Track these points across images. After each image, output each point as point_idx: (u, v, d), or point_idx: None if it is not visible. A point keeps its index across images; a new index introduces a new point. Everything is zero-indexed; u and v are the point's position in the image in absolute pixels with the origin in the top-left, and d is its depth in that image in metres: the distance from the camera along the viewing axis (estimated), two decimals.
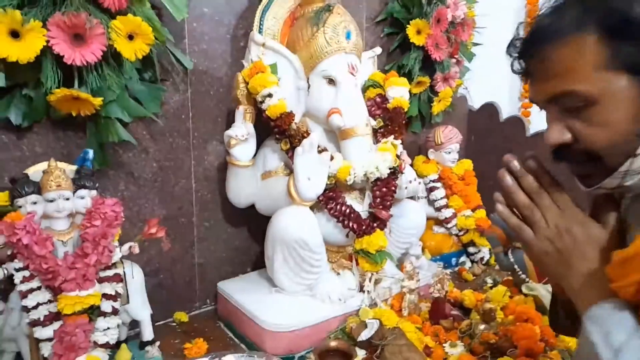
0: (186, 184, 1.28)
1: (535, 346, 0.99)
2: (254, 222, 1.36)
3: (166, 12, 1.08)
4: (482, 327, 1.09)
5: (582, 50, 0.57)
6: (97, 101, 0.98)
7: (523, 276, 1.27)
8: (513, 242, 1.48)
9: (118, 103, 1.04)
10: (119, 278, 0.98)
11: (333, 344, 1.02)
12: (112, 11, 0.98)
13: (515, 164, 0.66)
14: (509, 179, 0.67)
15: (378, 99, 1.34)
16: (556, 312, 0.77)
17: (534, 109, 2.45)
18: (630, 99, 0.57)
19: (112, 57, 1.02)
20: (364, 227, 1.19)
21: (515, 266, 1.30)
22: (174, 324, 1.27)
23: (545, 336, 1.04)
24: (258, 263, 1.41)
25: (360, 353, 1.06)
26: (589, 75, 0.57)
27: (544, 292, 1.21)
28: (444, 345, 1.08)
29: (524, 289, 1.26)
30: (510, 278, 1.37)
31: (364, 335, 1.09)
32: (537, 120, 2.22)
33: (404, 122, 1.33)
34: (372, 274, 1.21)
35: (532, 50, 0.62)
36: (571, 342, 1.03)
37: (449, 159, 1.69)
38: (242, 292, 1.21)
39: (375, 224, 1.21)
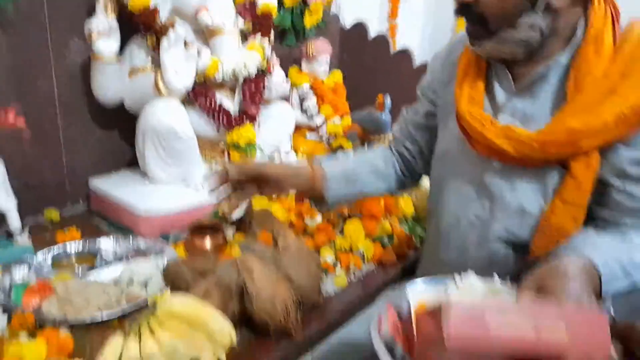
0: (47, 81, 1.23)
1: (378, 212, 1.19)
2: (124, 122, 1.36)
3: None
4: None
5: None
6: None
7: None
8: (370, 137, 1.69)
9: None
10: None
11: (205, 221, 1.12)
12: None
13: None
14: None
15: (247, 5, 1.38)
16: None
17: (400, 28, 2.65)
18: None
19: None
20: (233, 121, 1.28)
21: None
22: (44, 222, 1.26)
23: (387, 206, 1.25)
24: (130, 163, 1.42)
25: (231, 231, 1.18)
26: None
27: None
28: (305, 219, 1.24)
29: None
30: None
31: (236, 215, 1.21)
32: (402, 39, 2.44)
33: (271, 26, 1.40)
34: None
35: None
36: (407, 208, 1.25)
37: (321, 71, 1.81)
38: (116, 187, 1.24)
39: (244, 119, 1.30)
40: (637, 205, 0.74)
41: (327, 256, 1.09)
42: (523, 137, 0.74)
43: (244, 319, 0.84)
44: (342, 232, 1.17)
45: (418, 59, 1.96)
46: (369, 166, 1.00)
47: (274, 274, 0.87)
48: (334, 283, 1.02)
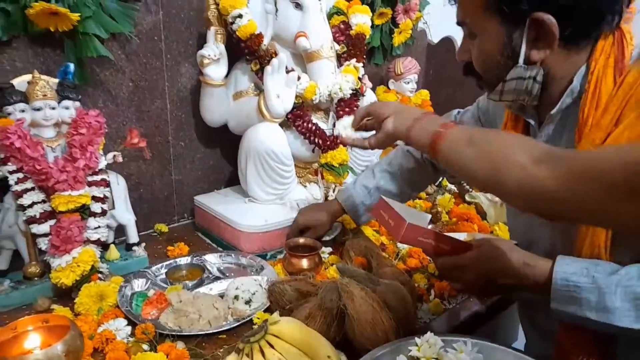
0: (161, 104, 1.35)
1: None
2: (226, 142, 1.46)
3: None
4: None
5: None
6: (75, 16, 1.03)
7: (467, 187, 1.44)
8: None
9: (94, 19, 1.09)
10: (106, 183, 1.07)
11: (302, 240, 1.16)
12: None
13: None
14: None
15: (342, 26, 1.42)
16: None
17: None
18: (498, 37, 0.71)
19: None
20: (328, 143, 1.31)
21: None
22: (155, 234, 1.38)
23: (481, 231, 1.22)
24: (231, 180, 1.52)
25: (326, 250, 1.21)
26: (475, 12, 0.72)
27: (484, 199, 1.38)
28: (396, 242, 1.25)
29: (467, 197, 1.43)
30: (457, 190, 1.54)
31: (328, 236, 1.25)
32: None
33: (365, 48, 1.43)
34: (335, 185, 1.34)
35: None
36: (503, 234, 1.22)
37: (408, 89, 1.81)
38: (218, 203, 1.32)
39: (338, 140, 1.33)
40: None
41: (420, 281, 1.09)
42: None
43: (343, 343, 0.86)
44: None
45: None
46: (389, 174, 1.17)
47: (373, 299, 0.89)
48: (428, 310, 1.02)
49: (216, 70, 1.24)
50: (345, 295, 0.85)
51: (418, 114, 0.77)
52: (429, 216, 0.94)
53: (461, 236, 0.87)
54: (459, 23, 0.78)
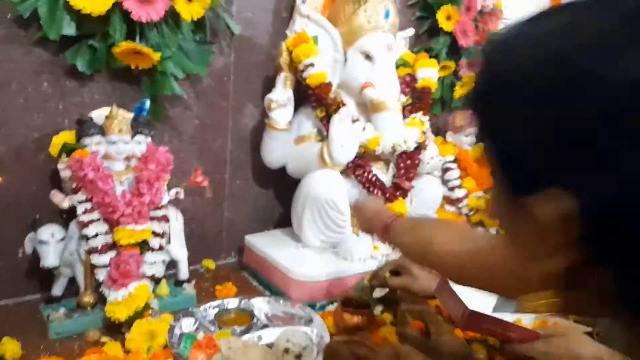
0: (223, 142, 1.37)
1: None
2: (280, 185, 1.45)
3: None
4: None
5: None
6: (156, 56, 1.07)
7: None
8: None
9: (173, 60, 1.13)
10: (166, 218, 1.08)
11: (354, 296, 1.12)
12: None
13: None
14: None
15: (408, 78, 1.42)
16: None
17: None
18: None
19: (170, 17, 1.10)
20: (387, 195, 1.29)
21: None
22: (202, 270, 1.37)
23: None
24: (280, 222, 1.51)
25: (379, 307, 1.16)
26: None
27: None
28: None
29: None
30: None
31: (379, 292, 1.20)
32: None
33: (431, 102, 1.42)
34: None
35: None
36: None
37: (467, 142, 1.77)
38: (269, 246, 1.31)
39: (397, 193, 1.30)
40: None
41: (480, 353, 1.02)
42: None
43: None
44: None
45: None
46: None
47: None
48: None
49: (282, 115, 1.25)
50: None
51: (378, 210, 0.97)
52: (495, 301, 0.91)
53: (530, 322, 0.87)
54: None
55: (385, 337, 1.02)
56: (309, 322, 1.08)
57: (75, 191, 0.98)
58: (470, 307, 0.78)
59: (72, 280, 1.06)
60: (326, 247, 1.26)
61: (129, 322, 0.96)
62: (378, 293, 1.19)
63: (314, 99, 1.25)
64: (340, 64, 1.30)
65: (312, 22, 1.25)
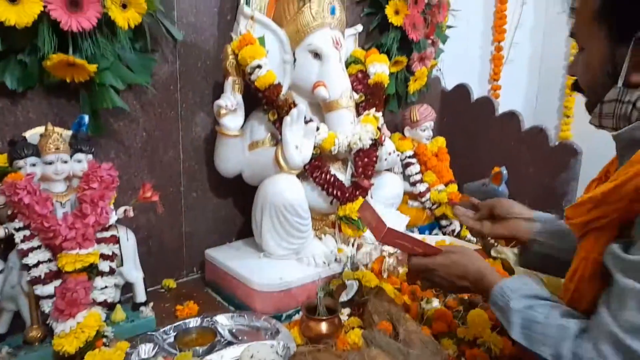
0: (174, 154, 1.31)
1: None
2: (239, 193, 1.41)
3: None
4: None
5: None
6: (92, 67, 1.00)
7: (492, 241, 1.37)
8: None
9: (111, 70, 1.06)
10: (115, 239, 1.02)
11: (317, 302, 1.09)
12: None
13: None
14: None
15: (360, 75, 1.40)
16: None
17: (502, 90, 2.58)
18: (602, 52, 0.69)
19: (105, 25, 1.04)
20: (346, 195, 1.26)
21: None
22: (163, 290, 1.31)
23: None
24: (242, 232, 1.46)
25: (345, 311, 1.13)
26: (585, 22, 0.71)
27: (511, 254, 1.31)
28: (420, 302, 1.17)
29: (492, 253, 1.36)
30: (479, 246, 1.47)
31: (345, 296, 1.17)
32: (505, 101, 2.35)
33: (384, 97, 1.40)
34: (354, 239, 1.28)
35: None
36: None
37: (424, 136, 1.78)
38: (231, 258, 1.26)
39: (357, 192, 1.28)
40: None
41: (449, 348, 1.01)
42: None
43: None
44: (464, 321, 1.08)
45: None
46: None
47: None
48: None
49: (233, 121, 1.21)
50: None
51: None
52: (408, 218, 1.13)
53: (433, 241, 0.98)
54: (571, 34, 0.77)
55: (354, 342, 0.99)
56: (275, 334, 1.04)
57: (11, 218, 0.91)
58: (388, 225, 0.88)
59: (17, 315, 0.98)
60: (289, 254, 1.22)
61: (81, 355, 0.89)
62: (344, 297, 1.17)
63: (264, 101, 1.21)
64: (290, 65, 1.27)
65: (257, 23, 1.21)
